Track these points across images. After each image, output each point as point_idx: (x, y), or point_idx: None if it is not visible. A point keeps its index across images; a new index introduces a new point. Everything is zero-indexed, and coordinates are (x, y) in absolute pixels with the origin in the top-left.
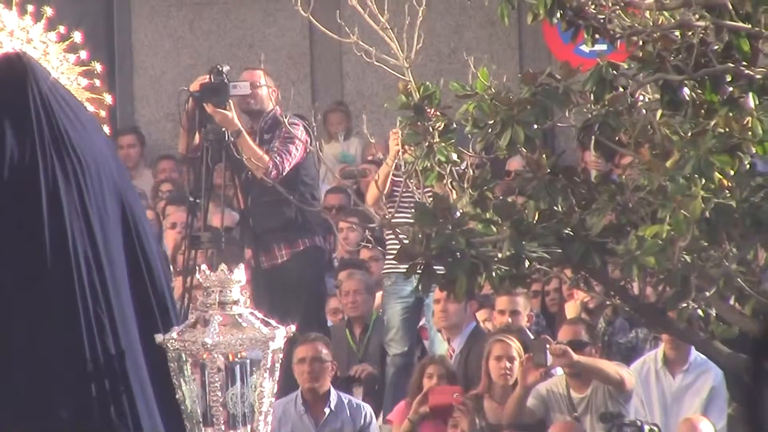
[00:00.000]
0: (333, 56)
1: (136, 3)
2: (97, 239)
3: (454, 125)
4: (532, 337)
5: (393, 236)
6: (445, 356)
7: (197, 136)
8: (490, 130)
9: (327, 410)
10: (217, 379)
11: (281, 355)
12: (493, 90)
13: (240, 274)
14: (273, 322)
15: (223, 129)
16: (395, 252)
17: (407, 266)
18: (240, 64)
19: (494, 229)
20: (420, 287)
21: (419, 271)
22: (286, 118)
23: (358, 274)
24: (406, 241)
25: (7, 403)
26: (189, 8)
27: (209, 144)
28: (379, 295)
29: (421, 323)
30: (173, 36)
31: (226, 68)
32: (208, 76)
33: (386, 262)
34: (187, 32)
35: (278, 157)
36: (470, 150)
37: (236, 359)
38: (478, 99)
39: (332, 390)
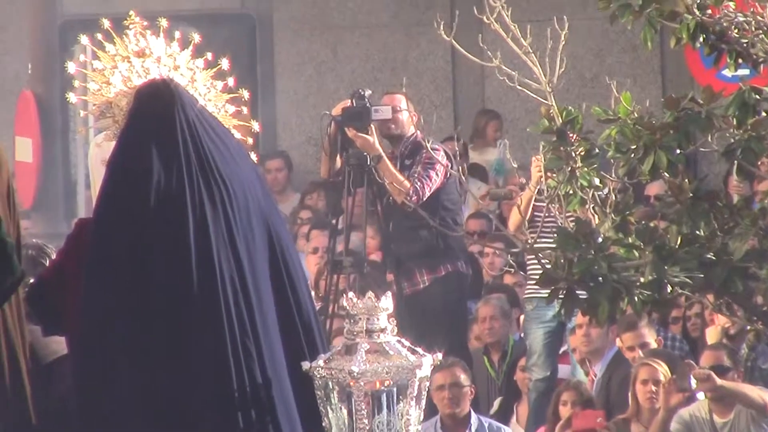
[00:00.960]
0: (475, 80)
1: (278, 27)
2: (243, 266)
3: (597, 150)
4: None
5: (535, 261)
6: (582, 382)
7: (339, 160)
8: (632, 155)
9: None
10: (363, 407)
11: (428, 383)
12: (636, 114)
13: (387, 301)
14: (420, 350)
15: (365, 153)
16: (537, 277)
17: (549, 291)
18: (382, 89)
19: (636, 253)
20: (562, 312)
21: (561, 296)
22: (428, 142)
23: (494, 299)
24: (548, 266)
25: (153, 427)
26: (332, 32)
27: (351, 168)
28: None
29: (563, 348)
30: (316, 60)
31: (368, 92)
32: (350, 101)
33: (528, 286)
34: (329, 56)
35: (419, 182)
36: (612, 175)
37: (383, 387)
38: (620, 124)
39: (472, 413)
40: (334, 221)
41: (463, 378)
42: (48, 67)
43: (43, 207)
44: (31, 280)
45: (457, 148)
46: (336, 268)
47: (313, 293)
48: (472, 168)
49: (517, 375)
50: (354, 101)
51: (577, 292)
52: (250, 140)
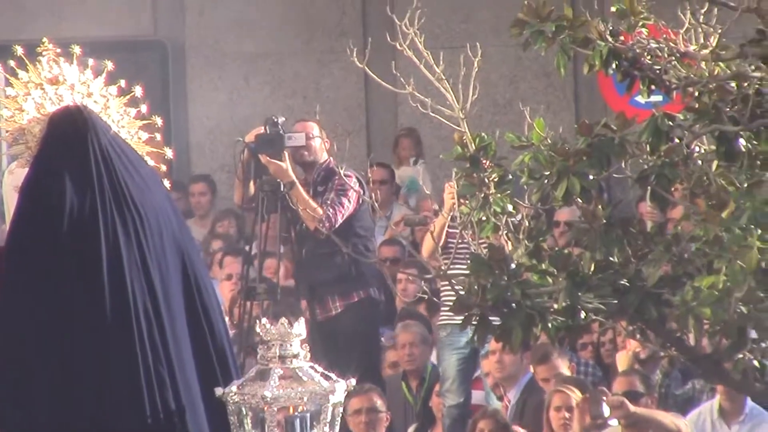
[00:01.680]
0: (389, 107)
1: (191, 54)
2: (157, 293)
3: (510, 176)
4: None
5: (449, 287)
6: (498, 410)
7: (252, 186)
8: (546, 181)
9: None
10: None
11: (341, 409)
12: (549, 141)
13: (300, 327)
14: (333, 375)
15: (278, 180)
16: (451, 303)
17: (463, 317)
18: (295, 116)
19: (550, 280)
20: (476, 338)
21: (475, 322)
22: (341, 169)
23: (414, 326)
24: (461, 292)
25: None
26: (244, 60)
27: (264, 195)
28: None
29: (477, 374)
30: (228, 87)
31: (281, 119)
32: (263, 127)
33: (442, 313)
34: (242, 83)
35: (331, 209)
36: (526, 201)
37: (297, 413)
38: (533, 150)
39: None
40: (247, 248)
41: (380, 404)
42: None
43: None
44: None
45: (371, 175)
46: (250, 294)
47: (227, 320)
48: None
49: (432, 401)
50: (267, 128)
51: (491, 318)
52: (164, 167)
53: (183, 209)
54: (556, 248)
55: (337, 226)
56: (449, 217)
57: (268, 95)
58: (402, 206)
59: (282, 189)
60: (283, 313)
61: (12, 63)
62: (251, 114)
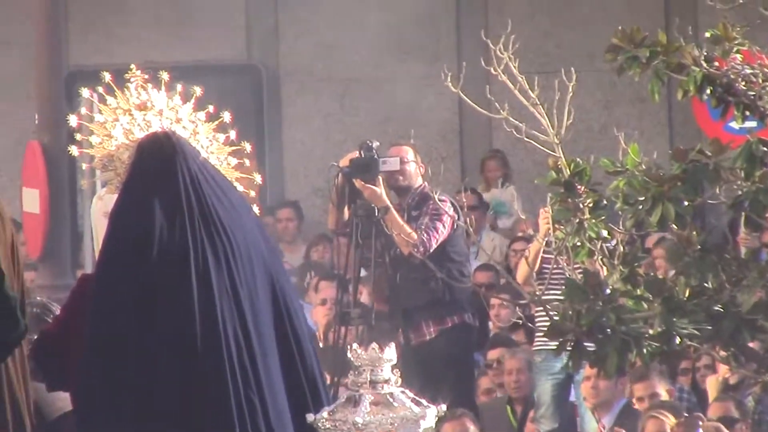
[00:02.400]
0: (483, 132)
1: (285, 79)
2: (247, 319)
3: (605, 202)
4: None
5: (543, 313)
6: None
7: (347, 211)
8: (640, 207)
9: None
10: None
11: None
12: (644, 166)
13: (391, 352)
14: (424, 401)
15: (372, 205)
16: (545, 329)
17: (558, 343)
18: (389, 140)
19: (645, 305)
20: (570, 364)
21: (569, 348)
22: (435, 193)
23: (520, 352)
24: (556, 318)
25: None
26: (338, 84)
27: (359, 220)
28: None
29: (571, 400)
30: (323, 111)
31: (375, 144)
32: (357, 152)
33: (537, 338)
34: (336, 108)
35: (425, 234)
36: (620, 226)
37: None
38: (628, 175)
39: None
40: (341, 273)
41: (472, 429)
42: (54, 117)
43: (51, 258)
44: (35, 337)
45: (464, 200)
46: (344, 319)
47: (322, 344)
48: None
49: (527, 427)
50: (362, 152)
51: (586, 343)
52: (253, 193)
53: (273, 234)
54: (651, 274)
55: (431, 251)
56: (544, 243)
57: (363, 120)
58: (490, 232)
59: (376, 214)
60: (377, 338)
61: (100, 89)
62: (345, 138)
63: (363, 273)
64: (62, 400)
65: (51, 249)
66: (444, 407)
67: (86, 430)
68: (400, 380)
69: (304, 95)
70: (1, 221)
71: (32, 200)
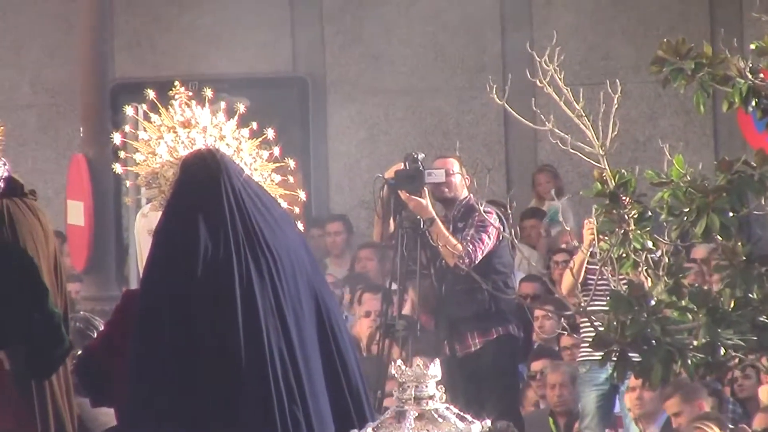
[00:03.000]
0: (528, 143)
1: (331, 90)
2: (291, 335)
3: (649, 213)
4: (731, 426)
5: (588, 324)
6: None
7: (392, 223)
8: (685, 218)
9: None
10: None
11: None
12: (689, 177)
13: (435, 369)
14: (469, 416)
15: (418, 216)
16: (590, 340)
17: (602, 354)
18: (435, 152)
19: (690, 316)
20: (615, 374)
21: (614, 359)
22: (480, 205)
23: (563, 366)
24: (601, 329)
25: None
26: (384, 96)
27: (404, 231)
28: None
29: (616, 411)
30: (368, 123)
31: (421, 156)
32: (403, 164)
33: (581, 349)
34: (381, 119)
35: (471, 245)
36: (665, 238)
37: None
38: (673, 187)
39: None
40: (386, 284)
41: None
42: (99, 130)
43: (95, 270)
44: (79, 352)
45: (509, 212)
46: (389, 331)
47: (365, 357)
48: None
49: None
50: (407, 164)
51: (630, 354)
52: (297, 209)
53: (321, 247)
54: (696, 285)
55: (476, 262)
56: (588, 254)
57: (408, 131)
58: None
59: (422, 225)
60: (423, 350)
61: (145, 107)
62: (391, 150)
63: (408, 285)
64: (106, 416)
65: (96, 261)
66: (489, 422)
67: None
68: (444, 396)
69: (349, 107)
70: (44, 236)
71: (77, 212)
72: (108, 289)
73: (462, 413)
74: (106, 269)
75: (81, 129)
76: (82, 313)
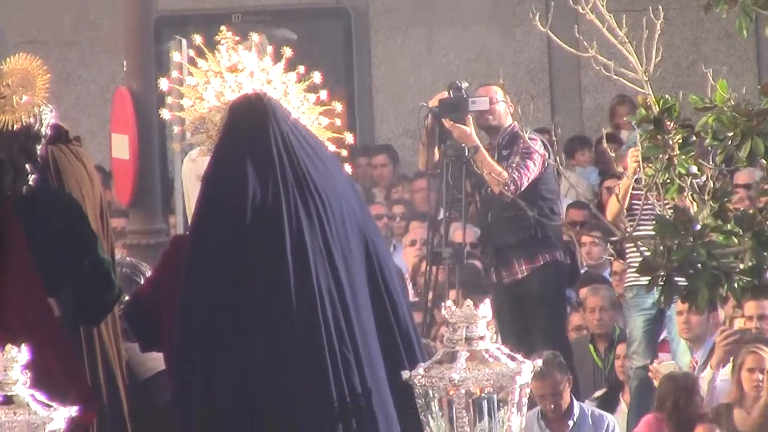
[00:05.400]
0: (571, 71)
1: (374, 21)
2: (341, 277)
3: (694, 138)
4: None
5: (634, 249)
6: (688, 373)
7: (437, 152)
8: (729, 142)
9: (570, 423)
10: (464, 415)
11: (528, 390)
12: (732, 102)
13: (486, 309)
14: (519, 356)
15: (463, 145)
16: (637, 265)
17: (649, 279)
18: (478, 81)
19: (735, 240)
20: (662, 299)
21: (661, 283)
22: (525, 132)
23: (603, 289)
24: (647, 254)
25: None
26: (427, 25)
27: (449, 160)
28: None
29: (662, 336)
30: (412, 53)
31: (465, 84)
32: (447, 92)
33: (628, 275)
34: (425, 50)
35: (516, 173)
36: (710, 162)
37: (483, 394)
38: (717, 111)
39: (575, 403)
40: (432, 213)
41: (559, 377)
42: (143, 63)
43: (141, 203)
44: (126, 298)
45: (554, 138)
46: (435, 259)
47: (410, 286)
48: None
49: (616, 364)
50: (451, 93)
51: (677, 279)
52: (345, 152)
53: (368, 176)
54: (742, 209)
55: (522, 189)
56: (633, 180)
57: (452, 60)
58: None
59: (466, 153)
60: (469, 277)
61: (192, 52)
62: (434, 80)
63: (454, 213)
64: (154, 360)
65: (141, 194)
66: (540, 362)
67: (181, 391)
68: (495, 336)
69: (392, 37)
70: (90, 182)
71: (121, 146)
72: (154, 222)
73: (512, 353)
74: (151, 202)
75: (124, 63)
76: (128, 258)
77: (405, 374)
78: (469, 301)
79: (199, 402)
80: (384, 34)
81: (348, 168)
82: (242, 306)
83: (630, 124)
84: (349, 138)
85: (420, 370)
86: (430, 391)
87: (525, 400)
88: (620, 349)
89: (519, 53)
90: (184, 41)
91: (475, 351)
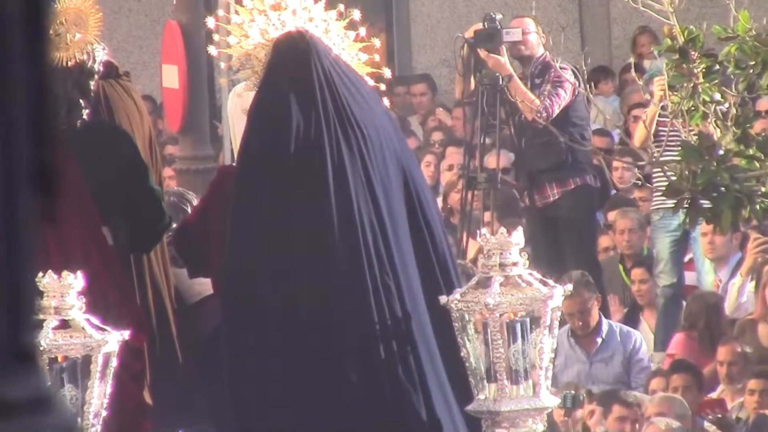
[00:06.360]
0: (601, 2)
1: None
2: (381, 207)
3: (717, 66)
4: None
5: (661, 174)
6: (714, 291)
7: (472, 81)
8: (751, 71)
9: (599, 340)
10: (499, 337)
11: (559, 313)
12: (754, 32)
13: (518, 236)
14: (551, 281)
15: (497, 74)
16: (663, 189)
17: (675, 201)
18: (512, 12)
19: (757, 164)
20: (687, 221)
21: (686, 206)
22: (556, 62)
23: (632, 212)
24: (673, 178)
25: (299, 366)
26: None
27: (484, 88)
28: None
29: (688, 256)
30: None
31: (498, 16)
32: (481, 24)
33: (654, 198)
34: None
35: (548, 100)
36: (733, 90)
37: (517, 318)
38: (739, 41)
39: (603, 320)
40: (468, 139)
41: (587, 296)
42: None
43: (190, 131)
44: (174, 225)
45: (584, 68)
46: (471, 184)
47: (441, 205)
48: None
49: (635, 286)
50: (485, 24)
51: (701, 201)
52: (383, 86)
53: (406, 104)
54: (764, 134)
55: (553, 116)
56: (660, 107)
57: None
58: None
59: (501, 82)
60: (503, 199)
61: None
62: (469, 11)
63: (488, 140)
64: (201, 285)
65: (190, 122)
66: (570, 287)
67: (230, 317)
68: (528, 263)
69: None
70: (139, 116)
71: (172, 76)
72: (203, 148)
73: (544, 278)
74: (200, 130)
75: None
76: (175, 188)
77: (442, 299)
78: (502, 229)
79: (249, 325)
80: None
81: (386, 101)
82: (287, 233)
83: (652, 53)
84: (387, 73)
85: (456, 295)
86: (466, 315)
87: (556, 323)
88: (635, 273)
89: None
90: None
91: (509, 276)
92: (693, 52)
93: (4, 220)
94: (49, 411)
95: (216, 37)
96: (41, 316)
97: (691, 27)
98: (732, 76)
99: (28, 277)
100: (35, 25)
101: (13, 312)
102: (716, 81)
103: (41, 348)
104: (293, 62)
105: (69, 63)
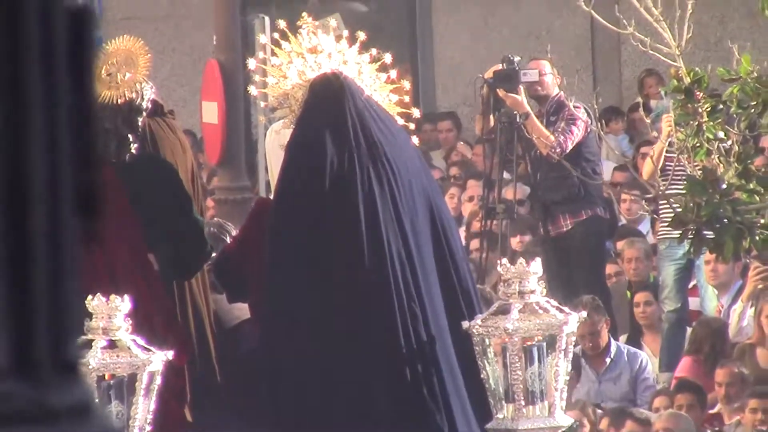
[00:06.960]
0: (612, 46)
1: (437, 0)
2: (408, 239)
3: (721, 106)
4: None
5: (667, 206)
6: (717, 317)
7: (492, 118)
8: (752, 110)
9: (608, 360)
10: (517, 360)
11: (574, 338)
12: (755, 74)
13: (536, 266)
14: (566, 308)
15: (515, 112)
16: (669, 220)
17: (680, 232)
18: (529, 54)
19: (757, 198)
20: (692, 250)
21: (691, 236)
22: (570, 101)
23: (639, 242)
24: (679, 210)
25: (329, 388)
26: (484, 4)
27: (502, 125)
28: None
29: (692, 283)
30: (470, 29)
31: (516, 58)
32: (501, 65)
33: (661, 228)
34: (482, 25)
35: (562, 137)
36: (735, 128)
37: (534, 342)
38: (741, 82)
39: (612, 342)
40: (487, 173)
41: (597, 319)
42: (230, 37)
43: (228, 163)
44: (214, 254)
45: (596, 107)
46: (490, 214)
47: (463, 232)
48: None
49: (635, 311)
50: (504, 66)
51: (705, 232)
52: (412, 126)
53: (432, 140)
54: (763, 170)
55: (567, 151)
56: (667, 143)
57: (506, 36)
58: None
59: (518, 120)
60: (519, 229)
61: (276, 35)
62: (490, 54)
63: (506, 174)
64: (239, 310)
65: (228, 155)
66: (584, 314)
67: (269, 341)
68: (545, 290)
69: (453, 13)
70: (182, 149)
71: (211, 112)
72: (239, 180)
73: (560, 306)
74: (237, 162)
75: (214, 37)
76: (215, 219)
77: (464, 324)
78: (521, 260)
79: (283, 349)
80: (445, 10)
81: (415, 139)
82: (322, 265)
83: (659, 93)
84: (416, 113)
85: (478, 320)
86: (487, 339)
87: (571, 348)
88: (640, 296)
89: (565, 30)
90: (266, 18)
91: (527, 303)
92: (698, 93)
93: (51, 240)
94: (89, 420)
95: (256, 77)
96: (90, 336)
97: (697, 69)
98: (734, 115)
99: (73, 292)
100: (81, 58)
101: (57, 325)
102: (720, 120)
103: (90, 366)
104: (328, 102)
105: (119, 101)
